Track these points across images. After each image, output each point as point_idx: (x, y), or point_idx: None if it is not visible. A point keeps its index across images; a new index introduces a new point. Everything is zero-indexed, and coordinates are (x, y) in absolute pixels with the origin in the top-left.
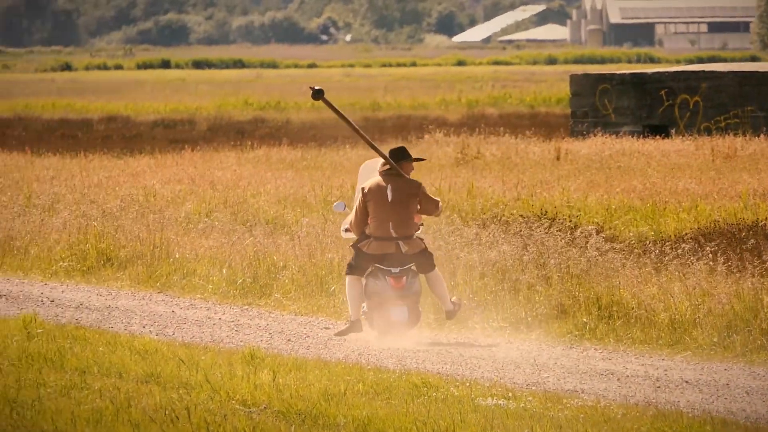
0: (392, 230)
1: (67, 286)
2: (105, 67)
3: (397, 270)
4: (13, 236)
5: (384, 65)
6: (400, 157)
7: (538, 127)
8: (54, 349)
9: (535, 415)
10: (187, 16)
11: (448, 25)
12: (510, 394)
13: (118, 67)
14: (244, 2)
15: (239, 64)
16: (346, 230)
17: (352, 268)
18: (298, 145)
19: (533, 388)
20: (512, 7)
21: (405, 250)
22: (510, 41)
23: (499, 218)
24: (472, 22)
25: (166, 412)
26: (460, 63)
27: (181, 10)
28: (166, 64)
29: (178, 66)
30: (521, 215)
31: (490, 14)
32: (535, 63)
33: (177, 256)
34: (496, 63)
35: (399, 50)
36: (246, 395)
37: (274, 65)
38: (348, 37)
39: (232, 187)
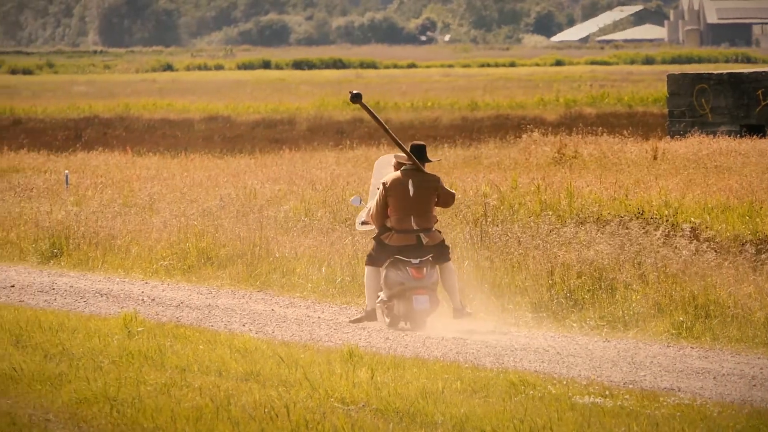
0: (414, 223)
1: (168, 284)
2: (206, 68)
3: (417, 261)
4: (114, 235)
5: (483, 65)
6: (421, 156)
7: (635, 126)
8: (154, 347)
9: (632, 413)
10: (288, 16)
11: (547, 25)
12: (607, 392)
13: (219, 67)
14: (343, 3)
15: (339, 64)
16: (363, 223)
17: (373, 259)
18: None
19: (630, 386)
20: (609, 7)
21: (425, 241)
22: (607, 41)
23: (596, 217)
24: (570, 22)
25: (266, 410)
26: (558, 63)
27: (281, 11)
28: (266, 65)
29: (278, 66)
30: (618, 215)
31: (588, 14)
32: (632, 63)
33: (277, 255)
34: (594, 63)
35: (497, 50)
36: (345, 393)
37: (373, 65)
38: (447, 38)
39: (331, 186)
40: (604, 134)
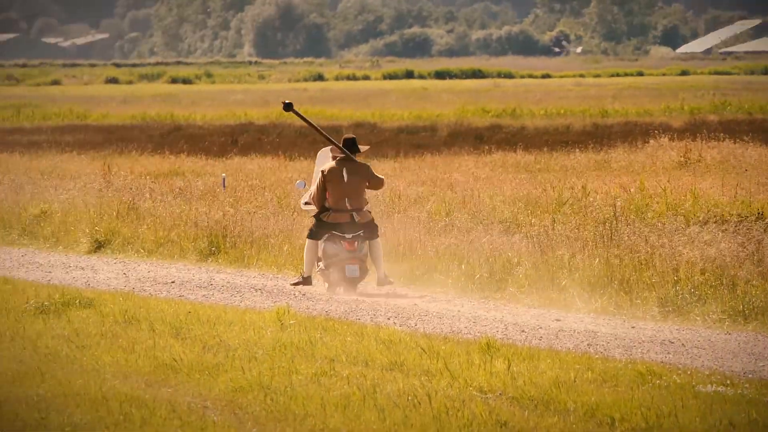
0: (348, 204)
1: (318, 280)
2: (353, 78)
3: (350, 235)
4: (268, 234)
5: (612, 75)
6: (352, 148)
7: (756, 132)
8: (305, 339)
9: (752, 401)
10: (430, 29)
11: (672, 38)
12: (728, 382)
13: (366, 77)
14: (483, 17)
15: (478, 74)
16: (306, 203)
17: (313, 234)
18: (532, 150)
19: (750, 375)
20: (731, 21)
21: (357, 219)
22: (729, 53)
23: (718, 218)
24: (694, 35)
25: (409, 398)
26: (684, 73)
27: (424, 24)
28: (409, 75)
29: (421, 76)
30: (739, 215)
31: (711, 27)
32: (752, 73)
33: (419, 253)
34: (717, 73)
35: (626, 61)
36: (482, 382)
37: (510, 75)
38: (579, 49)
39: (470, 188)
40: (726, 140)
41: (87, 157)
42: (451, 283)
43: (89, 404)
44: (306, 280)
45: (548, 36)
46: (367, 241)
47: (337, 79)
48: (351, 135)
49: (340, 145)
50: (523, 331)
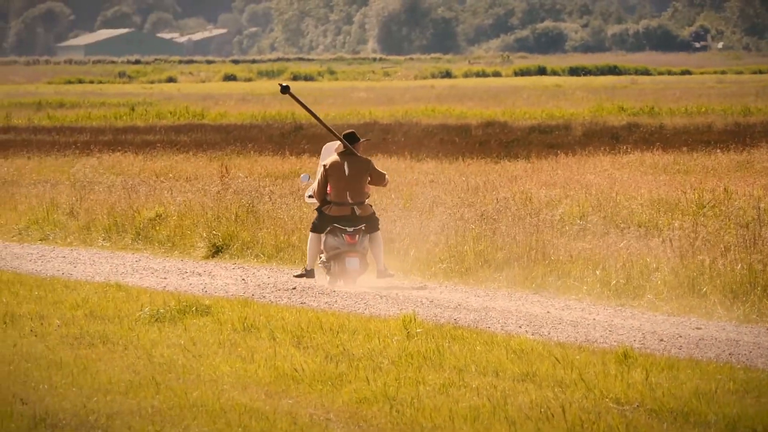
0: (349, 198)
1: (446, 287)
2: (483, 75)
3: (351, 229)
4: (393, 238)
5: (755, 72)
6: (353, 140)
7: None
8: (433, 348)
9: None
10: (564, 24)
11: None
12: None
13: (496, 74)
14: (619, 11)
15: (614, 70)
16: (309, 196)
17: (315, 227)
18: (671, 150)
19: None
20: None
21: (359, 213)
22: None
23: None
24: None
25: (542, 410)
26: None
27: (557, 18)
28: (542, 71)
29: (554, 73)
30: None
31: None
32: None
33: (552, 258)
34: None
35: None
36: (619, 393)
37: (647, 72)
38: (720, 45)
39: (605, 190)
40: None
41: (204, 158)
42: (586, 290)
43: (207, 416)
44: (309, 273)
45: (688, 31)
46: (368, 235)
47: (465, 76)
48: (351, 130)
49: (341, 137)
50: (661, 340)
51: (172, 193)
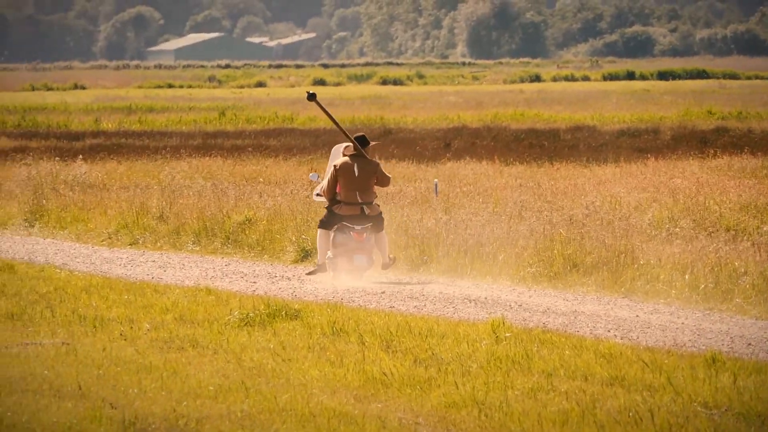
0: (358, 197)
1: (534, 290)
2: (572, 79)
3: (359, 227)
4: (483, 242)
5: None
6: (363, 143)
7: None
8: (521, 352)
9: None
10: (652, 28)
11: None
12: None
13: (585, 78)
14: (707, 15)
15: (702, 74)
16: (318, 195)
17: (325, 224)
18: (759, 154)
19: None
20: None
21: (367, 212)
22: None
23: None
24: None
25: (630, 414)
26: None
27: (646, 23)
28: (630, 76)
29: (642, 77)
30: None
31: None
32: None
33: (641, 262)
34: None
35: None
36: (707, 398)
37: (735, 76)
38: None
39: (694, 194)
40: None
41: (293, 162)
42: (675, 294)
43: (296, 420)
44: (321, 267)
45: None
46: (374, 234)
47: (554, 80)
48: (361, 133)
49: (354, 140)
50: (749, 344)
51: (261, 197)
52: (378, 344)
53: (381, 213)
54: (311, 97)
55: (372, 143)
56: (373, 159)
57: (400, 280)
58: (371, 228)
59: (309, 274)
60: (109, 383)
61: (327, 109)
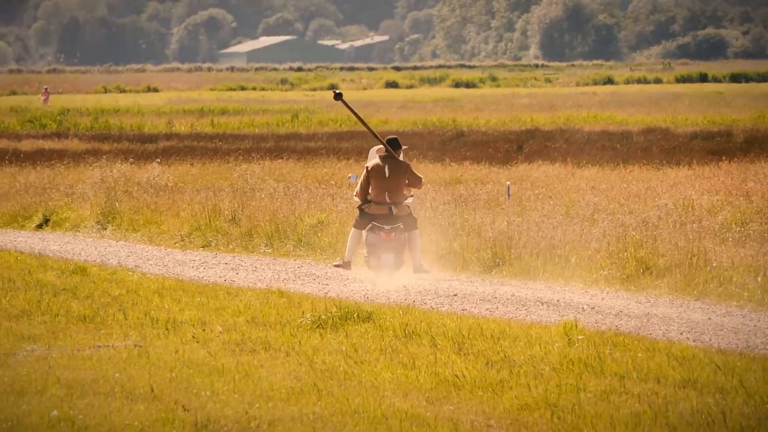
0: (387, 198)
1: (607, 293)
2: (644, 81)
3: (388, 227)
4: (555, 245)
5: None
6: (395, 146)
7: None
8: (594, 354)
9: None
10: (725, 30)
11: None
12: None
13: (657, 80)
14: None
15: None
16: (356, 195)
17: (357, 224)
18: None
19: None
20: None
21: (395, 212)
22: None
23: None
24: None
25: (702, 417)
26: None
27: (718, 26)
28: (703, 78)
29: (715, 79)
30: None
31: None
32: None
33: (714, 265)
34: None
35: None
36: None
37: None
38: None
39: (766, 197)
40: None
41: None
42: (747, 296)
43: (368, 423)
44: (346, 264)
45: None
46: (406, 233)
47: (627, 82)
48: (394, 136)
49: (384, 142)
50: None
51: (333, 200)
52: (450, 347)
53: (411, 213)
54: (337, 96)
55: (403, 147)
56: (405, 161)
57: (473, 282)
58: (401, 228)
59: (335, 265)
60: (182, 386)
61: (354, 110)
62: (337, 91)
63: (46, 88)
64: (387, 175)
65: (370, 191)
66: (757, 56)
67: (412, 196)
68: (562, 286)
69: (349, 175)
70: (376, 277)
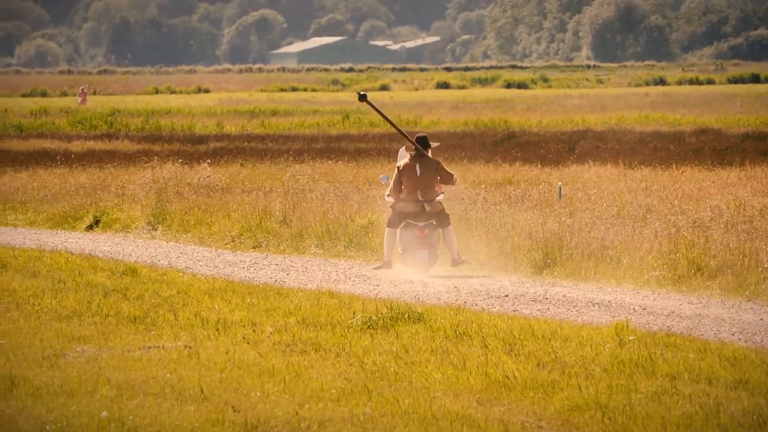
0: (420, 196)
1: (659, 294)
2: (697, 82)
3: (422, 224)
4: (606, 246)
5: None
6: (424, 144)
7: None
8: (645, 355)
9: None
10: None
11: None
12: None
13: (710, 81)
14: None
15: None
16: (388, 195)
17: (391, 223)
18: None
19: None
20: None
21: (428, 209)
22: None
23: None
24: None
25: (754, 418)
26: None
27: None
28: (755, 78)
29: (767, 80)
30: None
31: None
32: None
33: (766, 266)
34: None
35: None
36: None
37: None
38: None
39: None
40: None
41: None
42: None
43: (418, 423)
44: (386, 264)
45: None
46: (440, 229)
47: (679, 83)
48: (423, 134)
49: (414, 142)
50: None
51: (383, 201)
52: (501, 347)
53: (444, 210)
54: (362, 97)
55: (433, 144)
56: (435, 159)
57: (524, 282)
58: (435, 224)
59: (375, 269)
60: (232, 386)
61: (381, 110)
62: (362, 93)
63: (83, 89)
64: (418, 173)
65: (402, 190)
66: None
67: (443, 192)
68: (613, 287)
69: (381, 176)
70: (411, 274)
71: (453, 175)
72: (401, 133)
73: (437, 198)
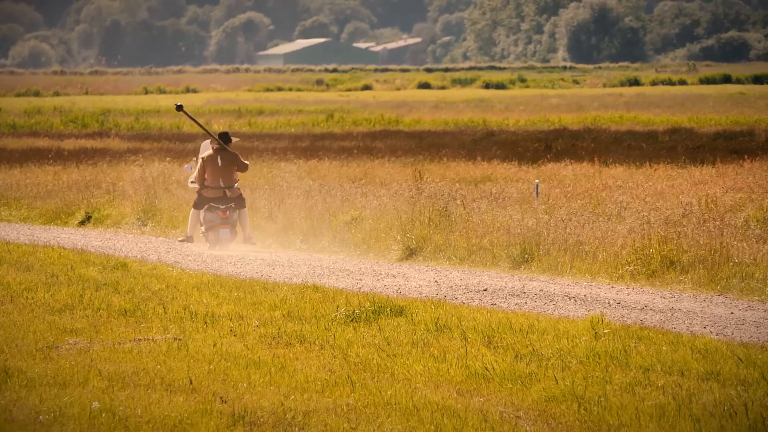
0: (221, 183)
1: (633, 288)
2: (670, 82)
3: (223, 207)
4: (582, 241)
5: None
6: (226, 140)
7: None
8: (619, 348)
9: None
10: (748, 33)
11: None
12: None
13: (682, 82)
14: None
15: None
16: (192, 182)
17: (196, 205)
18: None
19: None
20: None
21: (229, 194)
22: None
23: None
24: None
25: (725, 408)
26: None
27: (741, 29)
28: (726, 79)
29: (738, 81)
30: None
31: None
32: None
33: (736, 261)
34: None
35: None
36: None
37: None
38: None
39: None
40: None
41: (398, 164)
42: None
43: (400, 414)
44: (189, 239)
45: None
46: (237, 211)
47: (653, 83)
48: (225, 131)
49: (217, 138)
50: None
51: (367, 198)
52: (480, 340)
53: (242, 195)
54: (179, 108)
55: (234, 139)
56: (233, 151)
57: (502, 277)
58: (233, 207)
59: (181, 241)
60: (219, 378)
61: (194, 117)
62: (178, 104)
63: None
64: (220, 164)
65: (206, 177)
66: None
67: (238, 180)
68: (588, 281)
69: (185, 166)
70: (215, 249)
71: (247, 164)
72: (207, 132)
73: (235, 185)
